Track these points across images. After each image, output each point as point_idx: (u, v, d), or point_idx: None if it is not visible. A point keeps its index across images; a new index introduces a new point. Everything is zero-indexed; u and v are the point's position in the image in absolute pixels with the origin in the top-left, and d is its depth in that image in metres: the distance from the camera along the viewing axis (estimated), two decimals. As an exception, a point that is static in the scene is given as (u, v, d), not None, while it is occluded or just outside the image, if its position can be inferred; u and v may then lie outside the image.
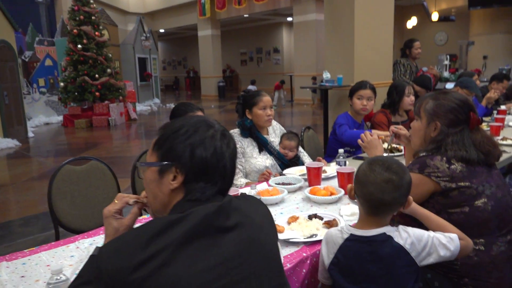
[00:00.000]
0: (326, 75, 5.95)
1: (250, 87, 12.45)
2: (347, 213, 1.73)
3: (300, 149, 2.83)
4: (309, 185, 2.14)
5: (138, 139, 9.63)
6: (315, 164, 2.16)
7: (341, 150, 2.45)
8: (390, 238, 1.26)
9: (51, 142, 9.16)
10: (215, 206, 0.88)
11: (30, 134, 9.36)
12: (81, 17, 10.55)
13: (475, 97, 4.57)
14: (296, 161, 2.67)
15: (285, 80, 15.57)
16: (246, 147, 2.57)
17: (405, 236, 1.27)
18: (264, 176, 2.35)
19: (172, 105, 16.08)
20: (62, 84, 10.75)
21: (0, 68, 8.33)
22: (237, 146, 2.53)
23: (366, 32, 6.06)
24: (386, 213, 1.31)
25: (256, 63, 23.83)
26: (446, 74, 9.04)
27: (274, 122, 2.80)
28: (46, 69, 12.02)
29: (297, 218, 1.67)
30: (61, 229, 2.13)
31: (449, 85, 7.57)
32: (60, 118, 11.46)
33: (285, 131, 2.83)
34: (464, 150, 1.56)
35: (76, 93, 10.64)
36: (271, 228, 1.03)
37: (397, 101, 3.31)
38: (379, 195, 1.26)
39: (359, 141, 1.97)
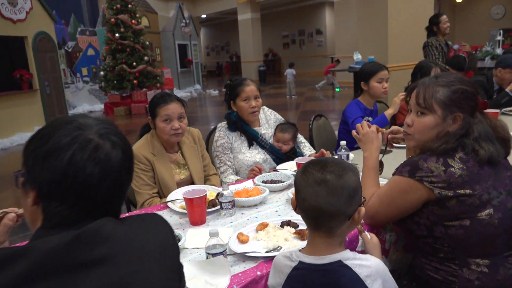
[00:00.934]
0: (357, 57, 5.58)
1: (288, 70, 12.07)
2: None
3: (301, 139, 2.58)
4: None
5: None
6: (307, 159, 1.91)
7: (343, 142, 2.17)
8: (346, 267, 1.02)
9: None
10: (69, 235, 0.68)
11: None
12: (118, 6, 10.68)
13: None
14: (294, 155, 2.42)
15: (329, 62, 14.91)
16: (233, 141, 2.36)
17: (367, 264, 1.03)
18: (253, 172, 2.13)
19: (213, 91, 16.12)
20: (102, 73, 11.01)
21: (40, 59, 8.62)
22: (223, 141, 2.33)
23: (401, 6, 5.58)
24: (329, 226, 1.04)
25: (299, 46, 23.26)
26: (498, 50, 8.21)
27: (268, 111, 2.56)
28: (89, 58, 12.36)
29: (267, 225, 1.46)
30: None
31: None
32: (103, 106, 11.80)
33: (282, 120, 2.57)
34: (491, 144, 1.28)
35: (115, 81, 10.87)
36: (163, 264, 0.76)
37: (421, 84, 2.95)
38: (313, 201, 1.01)
39: (354, 132, 1.69)
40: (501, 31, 8.40)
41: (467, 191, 1.24)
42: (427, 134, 1.38)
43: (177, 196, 1.78)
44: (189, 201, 1.56)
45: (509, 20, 13.72)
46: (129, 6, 10.90)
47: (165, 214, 1.71)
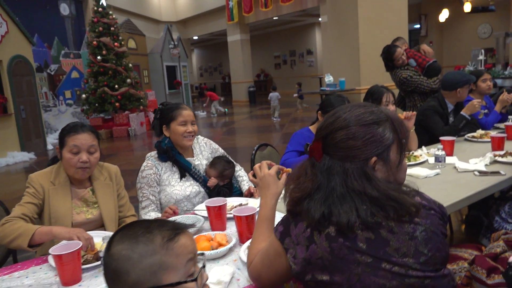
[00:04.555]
0: (329, 79, 5.42)
1: (273, 94, 11.91)
2: (213, 279, 1.27)
3: (240, 173, 2.37)
4: (212, 229, 1.70)
5: (145, 150, 9.45)
6: (217, 202, 1.71)
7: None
8: None
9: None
10: None
11: (50, 147, 9.47)
12: (100, 28, 10.62)
13: (490, 99, 3.87)
14: (229, 188, 2.22)
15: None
16: (162, 173, 2.14)
17: None
18: (165, 214, 1.91)
19: (201, 113, 15.99)
20: (84, 95, 10.87)
21: (16, 82, 8.47)
22: (151, 172, 2.11)
23: (372, 29, 5.45)
24: None
25: (290, 66, 23.32)
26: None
27: (202, 141, 2.36)
28: (72, 81, 12.25)
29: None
30: None
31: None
32: (85, 129, 11.61)
33: (219, 150, 2.37)
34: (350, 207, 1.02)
35: (96, 104, 10.71)
36: None
37: (372, 111, 2.76)
38: None
39: (249, 175, 1.47)
40: (483, 51, 8.31)
41: (324, 278, 1.02)
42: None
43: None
44: (57, 258, 1.34)
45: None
46: (112, 28, 10.84)
47: (42, 269, 1.49)
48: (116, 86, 10.68)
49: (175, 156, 2.14)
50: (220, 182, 2.21)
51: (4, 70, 8.20)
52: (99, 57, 10.54)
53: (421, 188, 2.04)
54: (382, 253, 1.00)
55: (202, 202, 2.12)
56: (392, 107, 2.73)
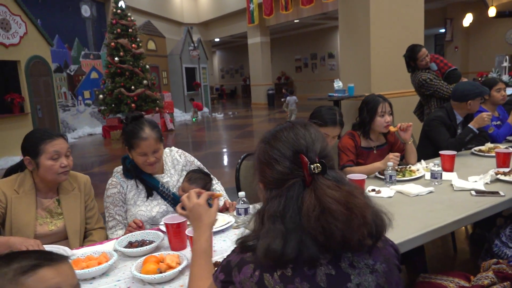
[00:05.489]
0: (338, 84, 5.25)
1: (290, 98, 11.74)
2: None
3: (217, 187, 2.22)
4: (171, 249, 1.59)
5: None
6: (177, 218, 1.59)
7: (241, 193, 1.85)
8: None
9: (82, 154, 9.32)
10: None
11: (65, 146, 9.59)
12: (118, 30, 10.73)
13: (504, 110, 3.62)
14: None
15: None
16: (128, 191, 1.98)
17: None
18: (129, 228, 1.79)
19: (218, 115, 15.99)
20: (101, 96, 10.99)
21: (33, 83, 8.63)
22: (115, 191, 1.96)
23: (385, 33, 5.25)
24: None
25: (311, 69, 23.08)
26: (505, 77, 7.73)
27: (177, 153, 2.16)
28: (92, 81, 12.43)
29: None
30: None
31: (509, 91, 6.41)
32: (102, 129, 11.78)
33: (195, 163, 2.19)
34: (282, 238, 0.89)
35: (113, 105, 10.81)
36: None
37: (367, 121, 2.59)
38: None
39: (178, 208, 1.33)
40: (507, 57, 7.94)
41: None
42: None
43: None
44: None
45: (525, 45, 13.18)
46: (130, 30, 10.93)
47: None
48: (133, 87, 10.76)
49: (141, 175, 1.98)
50: None
51: (22, 70, 8.36)
52: (116, 58, 10.65)
53: (409, 207, 1.91)
54: None
55: None
56: (388, 118, 2.56)
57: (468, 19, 12.66)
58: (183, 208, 1.30)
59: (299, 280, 0.87)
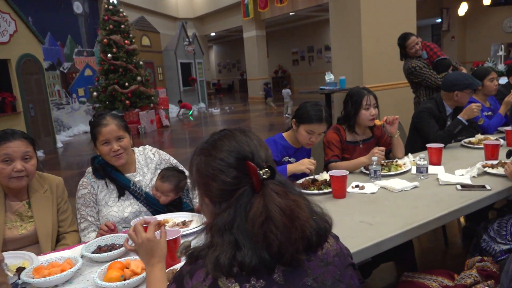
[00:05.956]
0: (329, 77, 5.17)
1: (284, 91, 11.66)
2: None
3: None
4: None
5: (161, 148, 9.36)
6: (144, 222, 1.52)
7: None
8: None
9: (76, 153, 9.25)
10: None
11: (59, 145, 9.54)
12: (111, 26, 10.61)
13: (496, 100, 3.54)
14: (179, 205, 2.02)
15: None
16: (99, 192, 1.93)
17: None
18: (101, 231, 1.73)
19: (214, 110, 15.92)
20: (95, 93, 10.90)
21: (25, 81, 8.53)
22: (85, 191, 1.91)
23: (376, 25, 5.16)
24: None
25: (308, 62, 22.94)
26: (500, 67, 7.65)
27: (150, 152, 2.09)
28: (86, 79, 12.33)
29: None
30: None
31: (502, 80, 6.34)
32: (98, 126, 11.68)
33: (170, 161, 2.11)
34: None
35: (107, 102, 10.73)
36: None
37: (352, 115, 2.51)
38: None
39: (125, 243, 1.25)
40: (503, 46, 7.84)
41: None
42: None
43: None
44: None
45: (521, 34, 13.06)
46: (122, 26, 10.82)
47: None
48: (127, 84, 10.66)
49: (111, 173, 1.93)
50: (175, 196, 2.00)
51: (13, 69, 8.26)
52: (109, 55, 10.54)
53: (392, 203, 1.84)
54: (301, 286, 0.87)
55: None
56: (374, 111, 2.49)
57: (463, 8, 12.53)
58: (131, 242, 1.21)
59: (254, 278, 0.84)
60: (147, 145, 2.14)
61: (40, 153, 8.51)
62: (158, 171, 2.04)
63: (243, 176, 0.89)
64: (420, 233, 1.63)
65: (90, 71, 12.45)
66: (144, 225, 1.20)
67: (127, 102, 10.65)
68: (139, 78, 10.91)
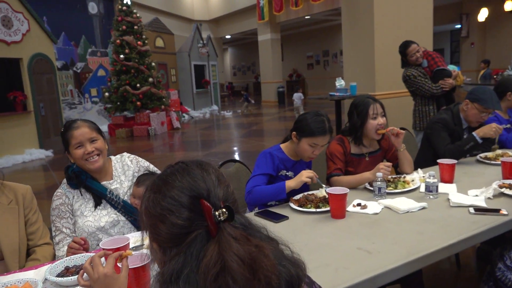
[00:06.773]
0: (340, 83, 4.98)
1: (296, 94, 11.48)
2: None
3: None
4: None
5: (162, 151, 9.27)
6: (118, 241, 1.38)
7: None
8: None
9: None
10: None
11: (69, 144, 9.53)
12: (124, 27, 10.60)
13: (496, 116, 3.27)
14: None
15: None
16: (74, 202, 1.81)
17: None
18: (72, 250, 1.57)
19: (226, 113, 15.81)
20: (106, 94, 10.90)
21: (36, 80, 8.55)
22: (60, 202, 1.79)
23: (389, 31, 4.96)
24: None
25: (323, 67, 22.69)
26: (520, 75, 7.33)
27: (128, 159, 1.97)
28: (99, 79, 12.35)
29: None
30: None
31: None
32: (109, 127, 11.69)
33: (148, 167, 1.98)
34: None
35: (118, 103, 10.71)
36: None
37: (359, 126, 2.33)
38: None
39: (79, 278, 1.09)
40: (524, 54, 7.53)
41: None
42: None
43: None
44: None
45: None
46: (135, 27, 10.80)
47: None
48: (138, 85, 10.64)
49: (86, 182, 1.81)
50: None
51: (25, 68, 8.28)
52: (121, 56, 10.53)
53: (396, 226, 1.66)
54: None
55: (121, 233, 1.81)
56: (381, 120, 2.30)
57: (483, 14, 12.17)
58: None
59: None
60: (125, 152, 2.03)
61: (49, 153, 8.51)
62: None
63: (197, 218, 0.74)
64: (424, 264, 1.45)
65: (104, 71, 12.47)
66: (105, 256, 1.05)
67: (138, 103, 10.62)
68: (150, 79, 10.86)
